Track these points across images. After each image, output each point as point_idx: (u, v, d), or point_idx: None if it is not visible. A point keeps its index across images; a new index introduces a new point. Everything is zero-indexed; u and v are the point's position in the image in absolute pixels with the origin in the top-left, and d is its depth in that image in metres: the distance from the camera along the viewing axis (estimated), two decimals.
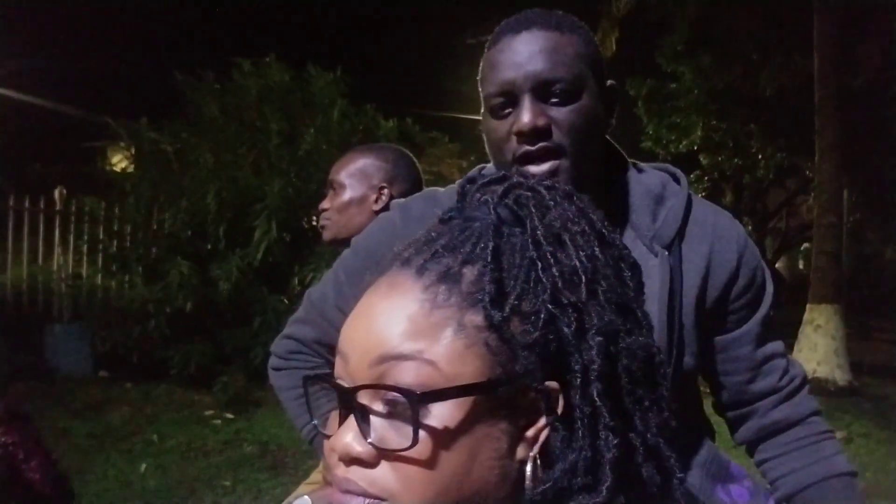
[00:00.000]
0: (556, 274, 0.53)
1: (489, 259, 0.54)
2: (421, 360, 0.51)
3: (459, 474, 0.51)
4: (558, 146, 0.94)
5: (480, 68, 1.01)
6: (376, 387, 0.52)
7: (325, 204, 1.73)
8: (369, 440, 0.51)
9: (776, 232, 18.50)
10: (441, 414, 0.51)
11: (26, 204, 6.75)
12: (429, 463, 0.50)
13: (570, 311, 0.53)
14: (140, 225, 6.44)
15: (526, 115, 0.93)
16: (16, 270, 6.60)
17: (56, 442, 4.29)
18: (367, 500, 0.51)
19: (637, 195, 1.04)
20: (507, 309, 0.52)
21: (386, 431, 0.52)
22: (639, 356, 0.55)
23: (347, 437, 0.52)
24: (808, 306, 7.29)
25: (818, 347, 7.01)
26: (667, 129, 13.46)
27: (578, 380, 0.52)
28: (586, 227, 0.57)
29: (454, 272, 0.54)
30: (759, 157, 13.78)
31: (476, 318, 0.52)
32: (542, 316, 0.52)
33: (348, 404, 0.53)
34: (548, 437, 0.54)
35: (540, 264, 0.54)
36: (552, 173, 0.94)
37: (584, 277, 0.54)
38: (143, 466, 3.96)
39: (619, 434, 0.52)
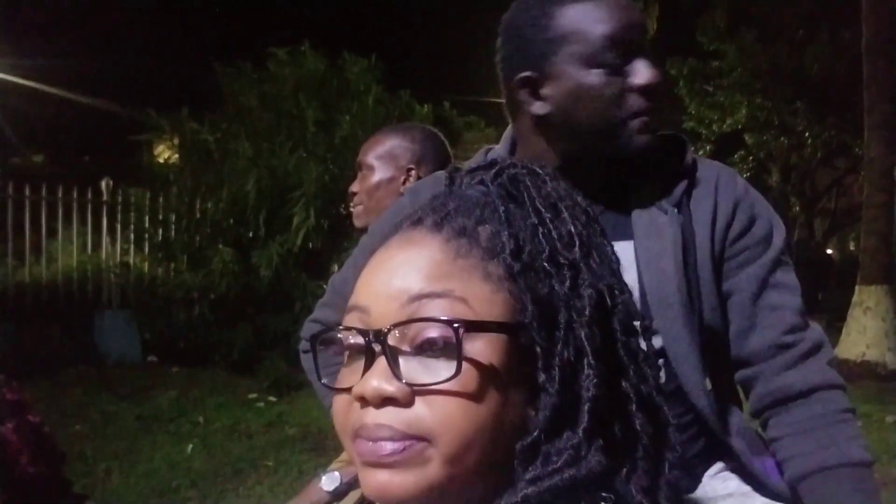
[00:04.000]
0: (555, 237, 0.57)
1: (503, 220, 0.57)
2: (453, 298, 0.52)
3: (496, 414, 0.52)
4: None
5: (564, 19, 0.98)
6: (417, 321, 0.52)
7: (354, 187, 1.73)
8: (403, 380, 0.51)
9: (825, 213, 18.01)
10: (476, 350, 0.51)
11: (75, 195, 6.97)
12: (470, 396, 0.50)
13: (566, 269, 0.55)
14: (183, 214, 6.59)
15: (652, 72, 0.97)
16: (66, 260, 6.82)
17: (106, 425, 4.46)
18: (407, 443, 0.50)
19: (643, 159, 1.06)
20: (522, 263, 0.55)
21: (416, 371, 0.52)
22: (632, 312, 0.58)
23: (374, 380, 0.52)
24: (857, 288, 7.11)
25: (867, 330, 6.82)
26: (709, 109, 13.19)
27: (563, 327, 0.54)
28: (577, 203, 0.61)
29: (471, 229, 0.56)
30: (807, 135, 13.41)
31: (497, 269, 0.55)
32: (545, 273, 0.55)
33: (375, 348, 0.53)
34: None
35: (541, 229, 0.57)
36: (655, 127, 1.00)
37: (578, 241, 0.57)
38: (190, 447, 4.06)
39: (603, 379, 0.53)
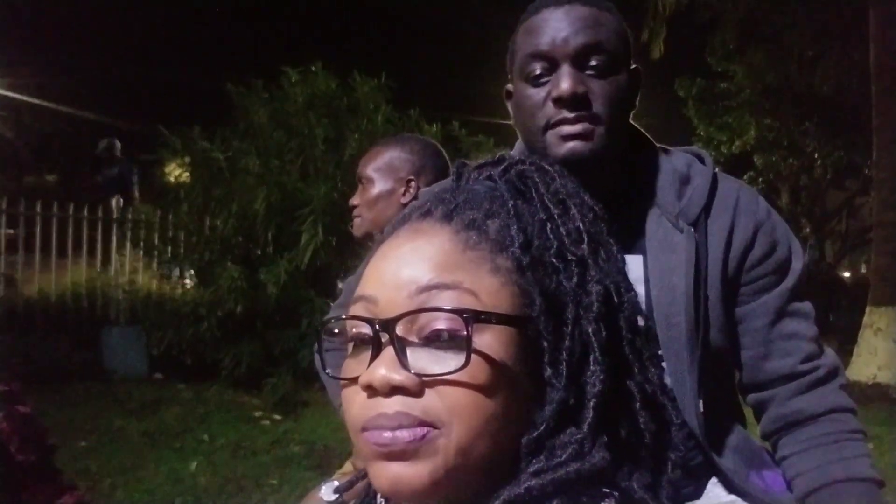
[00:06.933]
0: (564, 233, 0.57)
1: (512, 214, 0.57)
2: (462, 290, 0.52)
3: (503, 406, 0.51)
4: (594, 116, 0.96)
5: (514, 38, 1.03)
6: (426, 311, 0.52)
7: (354, 200, 1.75)
8: (412, 370, 0.51)
9: (836, 234, 17.90)
10: (484, 342, 0.51)
11: (85, 212, 7.03)
12: (478, 387, 0.50)
13: (574, 265, 0.55)
14: (192, 231, 6.62)
15: (566, 82, 0.95)
16: (76, 275, 6.86)
17: (111, 440, 4.45)
18: (423, 430, 0.50)
19: (663, 174, 1.06)
20: (531, 256, 0.55)
21: (424, 362, 0.51)
22: (638, 311, 0.58)
23: (381, 369, 0.51)
24: (867, 309, 7.05)
25: (878, 352, 6.76)
26: (718, 130, 13.19)
27: (570, 322, 0.54)
28: (585, 201, 0.61)
29: (479, 222, 0.56)
30: (816, 156, 13.38)
31: (506, 262, 0.55)
32: (553, 268, 0.55)
33: (383, 338, 0.52)
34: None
35: (549, 224, 0.57)
36: (586, 135, 0.96)
37: (586, 237, 0.57)
38: (194, 464, 4.05)
39: (609, 375, 0.53)
